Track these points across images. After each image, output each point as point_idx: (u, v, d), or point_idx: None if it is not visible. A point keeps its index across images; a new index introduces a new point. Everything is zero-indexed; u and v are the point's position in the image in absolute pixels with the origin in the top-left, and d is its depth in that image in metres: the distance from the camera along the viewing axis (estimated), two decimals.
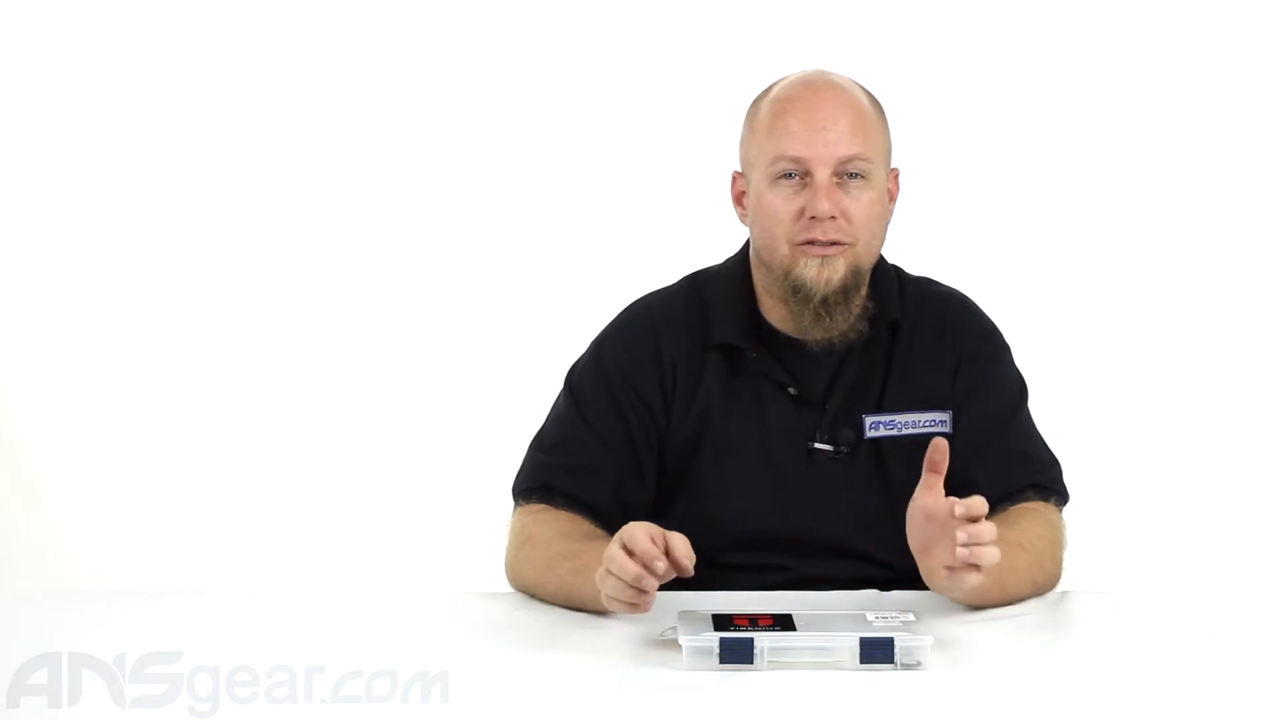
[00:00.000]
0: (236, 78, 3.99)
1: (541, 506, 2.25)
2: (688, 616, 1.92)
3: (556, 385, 2.35)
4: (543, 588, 2.17)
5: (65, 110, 3.98)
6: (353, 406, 4.00)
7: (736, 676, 1.84)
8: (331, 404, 4.00)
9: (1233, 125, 3.94)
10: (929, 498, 1.97)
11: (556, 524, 2.21)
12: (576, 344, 2.37)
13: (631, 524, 1.98)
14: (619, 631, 2.01)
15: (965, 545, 1.92)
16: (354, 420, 4.00)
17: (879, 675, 1.84)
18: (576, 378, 2.32)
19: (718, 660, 1.85)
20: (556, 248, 3.98)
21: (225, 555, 3.90)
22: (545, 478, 2.26)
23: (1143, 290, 3.95)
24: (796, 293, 2.21)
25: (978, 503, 1.94)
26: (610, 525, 2.19)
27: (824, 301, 2.20)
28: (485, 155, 4.00)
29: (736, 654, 1.85)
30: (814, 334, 2.24)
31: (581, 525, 2.21)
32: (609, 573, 1.96)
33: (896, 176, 2.29)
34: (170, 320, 4.00)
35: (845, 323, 2.22)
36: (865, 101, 2.24)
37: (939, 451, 1.97)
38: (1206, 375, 3.94)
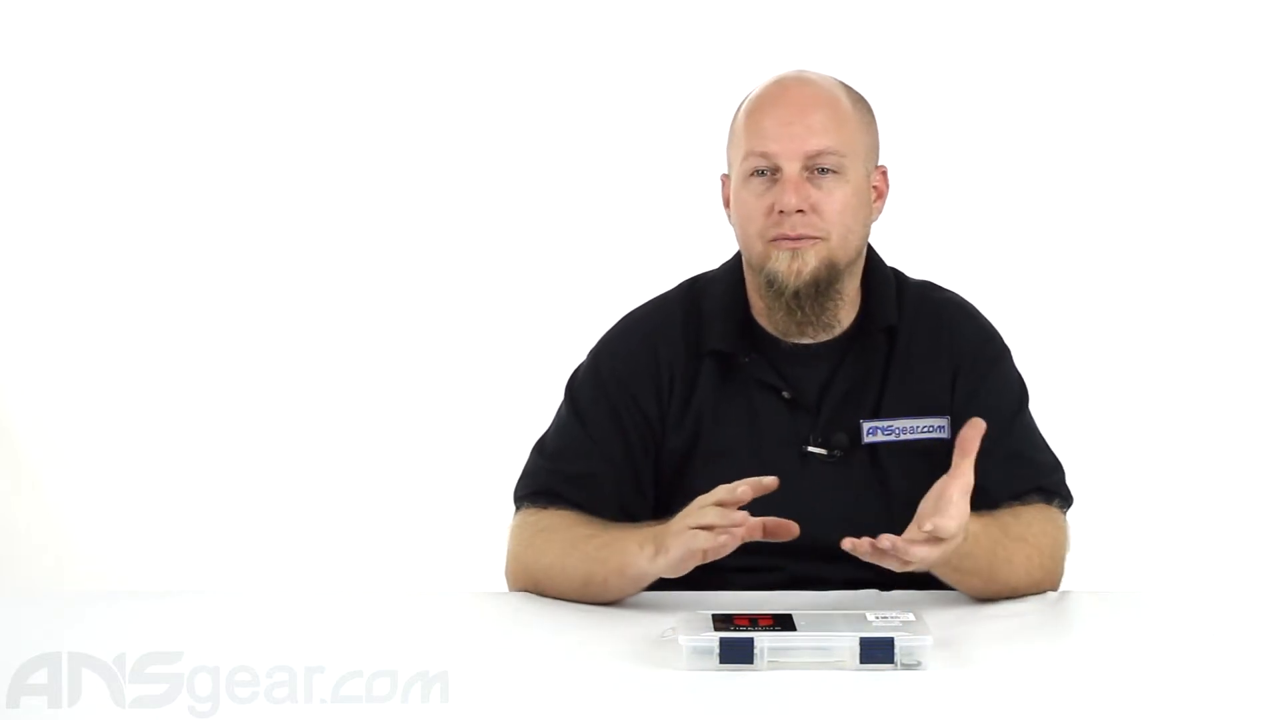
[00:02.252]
0: (236, 78, 3.99)
1: (548, 509, 2.24)
2: (688, 616, 1.92)
3: (557, 388, 2.35)
4: (561, 569, 2.16)
5: (65, 110, 3.98)
6: (353, 408, 4.00)
7: (736, 676, 1.84)
8: (332, 405, 4.00)
9: (1233, 125, 3.94)
10: (947, 480, 2.02)
11: (575, 517, 2.21)
12: (577, 346, 2.37)
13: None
14: (619, 631, 2.01)
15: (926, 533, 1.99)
16: (354, 421, 3.99)
17: (879, 675, 1.84)
18: (576, 387, 2.31)
19: (718, 660, 1.85)
20: (557, 252, 3.98)
21: (225, 555, 3.90)
22: (549, 484, 2.26)
23: (1142, 291, 3.95)
24: (770, 287, 2.20)
25: (945, 526, 1.99)
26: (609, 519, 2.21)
27: (795, 295, 2.19)
28: (486, 160, 4.00)
29: (736, 654, 1.85)
30: (790, 331, 2.24)
31: (599, 521, 2.20)
32: (697, 524, 2.04)
33: (885, 174, 2.28)
34: (170, 320, 4.00)
35: (818, 319, 2.22)
36: (842, 97, 2.24)
37: (972, 431, 2.03)
38: (1206, 375, 3.94)
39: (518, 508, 2.28)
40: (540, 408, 2.37)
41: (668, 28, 3.97)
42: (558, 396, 2.34)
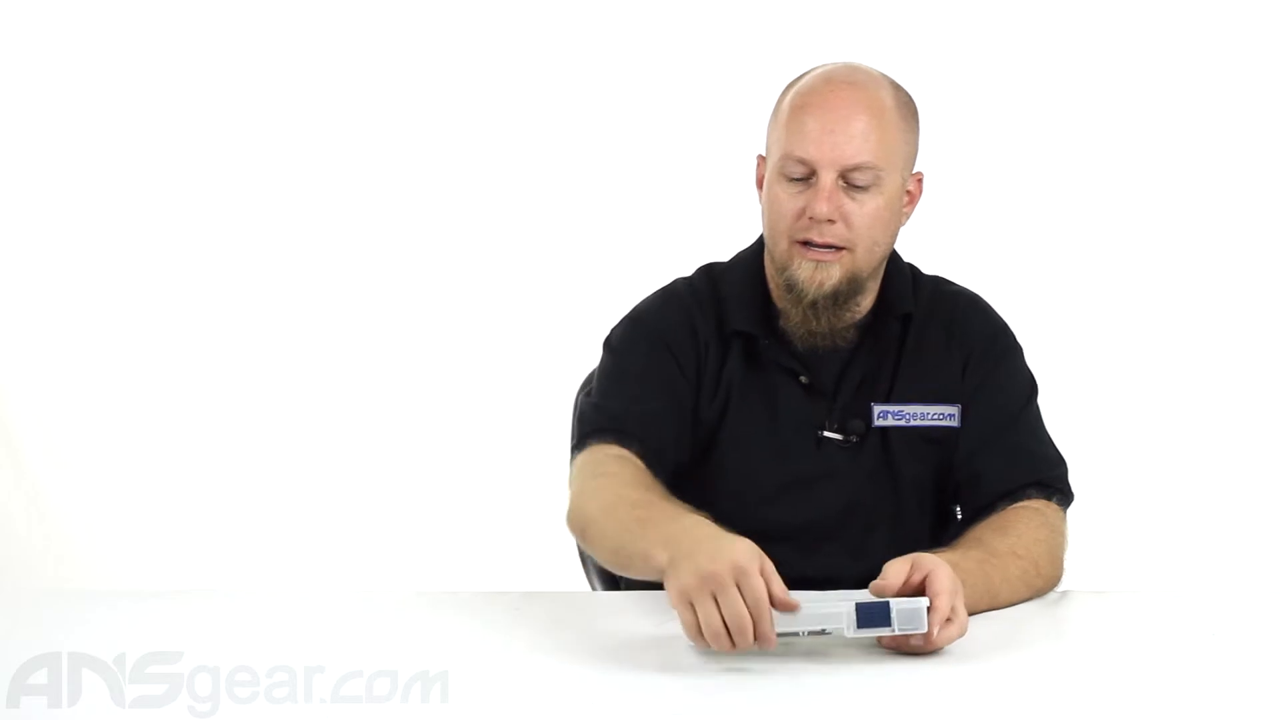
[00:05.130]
0: (237, 78, 4.00)
1: (614, 447, 2.19)
2: None
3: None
4: (599, 526, 2.09)
5: (65, 110, 3.99)
6: (353, 407, 4.00)
7: (736, 677, 1.84)
8: (332, 405, 4.00)
9: (1235, 128, 3.94)
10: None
11: (636, 473, 2.16)
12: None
13: (750, 549, 1.85)
14: (619, 631, 2.01)
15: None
16: (355, 421, 4.00)
17: (880, 674, 1.84)
18: (619, 340, 2.30)
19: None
20: (562, 247, 3.98)
21: (225, 555, 3.91)
22: (616, 418, 2.20)
23: (1144, 292, 3.96)
24: (790, 290, 2.23)
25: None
26: (665, 473, 2.17)
27: (813, 304, 2.21)
28: (491, 155, 4.01)
29: None
30: (801, 331, 2.25)
31: (658, 487, 2.14)
32: (712, 597, 1.82)
33: (920, 180, 2.28)
34: (170, 321, 4.01)
35: (831, 326, 2.24)
36: (888, 103, 2.22)
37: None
38: (1207, 376, 3.94)
39: (582, 447, 2.22)
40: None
41: (679, 25, 3.97)
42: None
